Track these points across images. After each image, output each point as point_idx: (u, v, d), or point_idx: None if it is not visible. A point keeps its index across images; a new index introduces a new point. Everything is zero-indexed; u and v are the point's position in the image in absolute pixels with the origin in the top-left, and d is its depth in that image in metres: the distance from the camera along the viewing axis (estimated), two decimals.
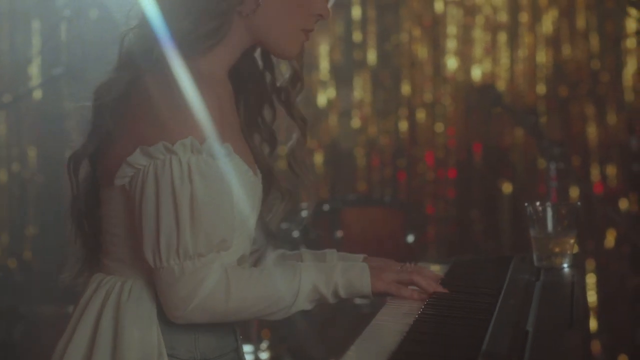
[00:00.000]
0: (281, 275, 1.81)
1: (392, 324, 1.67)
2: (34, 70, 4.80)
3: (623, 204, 4.82)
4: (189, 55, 1.79)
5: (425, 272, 1.89)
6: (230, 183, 1.77)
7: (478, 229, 5.00)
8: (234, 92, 1.93)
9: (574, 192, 4.74)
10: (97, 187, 1.86)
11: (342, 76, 5.09)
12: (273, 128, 1.98)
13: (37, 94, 4.79)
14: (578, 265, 2.04)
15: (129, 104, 1.79)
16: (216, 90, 1.81)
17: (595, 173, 4.88)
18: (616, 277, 4.74)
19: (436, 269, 2.08)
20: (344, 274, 1.83)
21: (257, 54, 1.97)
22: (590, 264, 4.74)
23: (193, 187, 1.71)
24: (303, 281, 1.80)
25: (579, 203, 2.07)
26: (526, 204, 2.06)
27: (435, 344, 1.51)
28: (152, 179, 1.71)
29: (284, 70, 1.97)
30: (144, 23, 1.83)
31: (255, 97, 1.98)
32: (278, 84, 1.97)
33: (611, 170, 4.88)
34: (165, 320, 1.77)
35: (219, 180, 1.75)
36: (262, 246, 1.99)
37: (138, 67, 1.80)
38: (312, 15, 1.86)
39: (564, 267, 2.02)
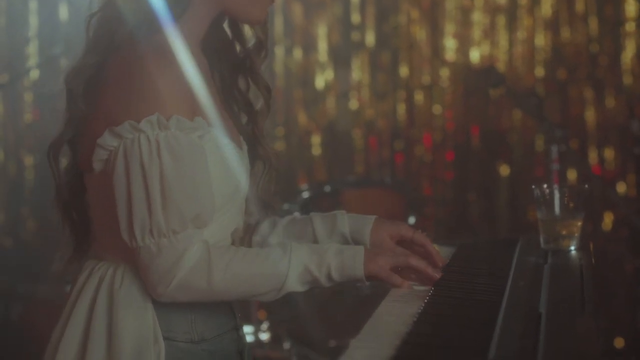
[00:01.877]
0: (269, 255, 1.78)
1: (403, 306, 1.68)
2: (32, 49, 4.79)
3: (621, 187, 4.83)
4: (155, 30, 1.77)
5: (421, 263, 1.83)
6: (204, 157, 1.74)
7: (475, 211, 5.00)
8: (208, 65, 1.91)
9: (572, 174, 4.74)
10: (81, 174, 1.85)
11: (340, 58, 5.08)
12: (249, 97, 1.97)
13: (35, 74, 4.77)
14: (584, 247, 2.05)
15: (98, 88, 1.78)
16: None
17: (593, 156, 4.88)
18: (614, 260, 4.74)
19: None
20: (337, 255, 1.79)
21: (226, 24, 1.96)
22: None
23: (162, 163, 1.69)
24: (293, 261, 1.77)
25: (586, 186, 2.07)
26: (533, 187, 2.06)
27: (448, 325, 1.52)
28: (122, 159, 1.70)
29: (249, 39, 1.95)
30: (106, 5, 1.81)
31: (229, 68, 1.97)
32: (243, 53, 1.95)
33: (609, 153, 4.88)
34: (161, 303, 1.76)
35: (190, 155, 1.72)
36: (260, 218, 1.98)
37: (104, 50, 1.79)
38: None
39: (571, 250, 2.02)
